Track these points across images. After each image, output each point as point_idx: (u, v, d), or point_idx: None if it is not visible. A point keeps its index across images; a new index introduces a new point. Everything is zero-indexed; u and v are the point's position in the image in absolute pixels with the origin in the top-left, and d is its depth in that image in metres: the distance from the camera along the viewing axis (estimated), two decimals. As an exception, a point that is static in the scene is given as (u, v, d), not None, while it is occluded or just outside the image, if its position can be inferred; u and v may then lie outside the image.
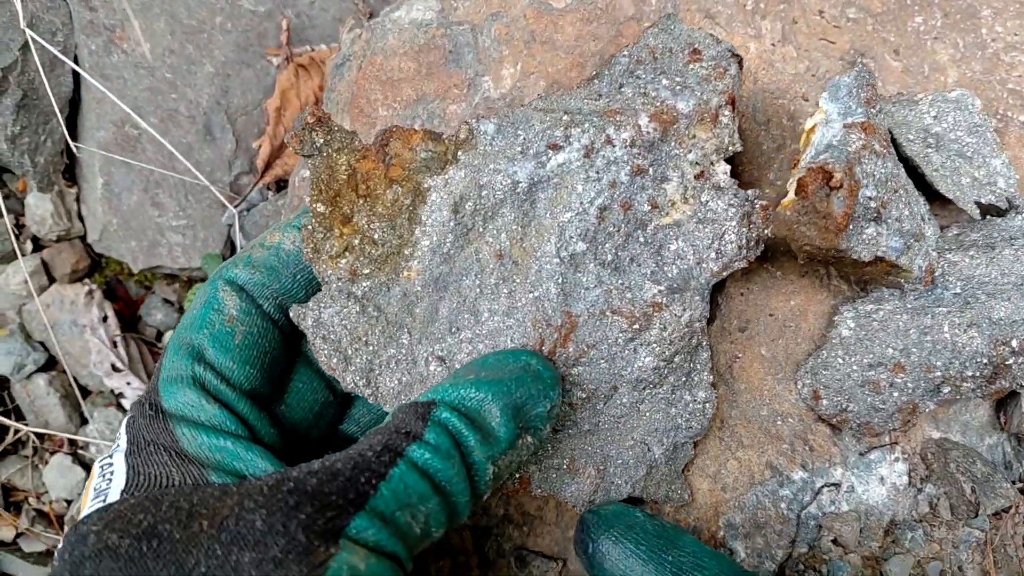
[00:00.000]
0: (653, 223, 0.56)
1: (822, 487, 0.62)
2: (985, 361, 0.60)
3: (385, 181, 0.54)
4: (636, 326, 0.55)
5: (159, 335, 0.93)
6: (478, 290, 0.55)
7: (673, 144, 0.55)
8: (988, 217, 0.65)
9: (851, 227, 0.54)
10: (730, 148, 0.56)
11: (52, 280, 0.91)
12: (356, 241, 0.55)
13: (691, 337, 0.57)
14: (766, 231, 0.56)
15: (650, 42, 0.59)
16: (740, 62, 0.57)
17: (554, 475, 0.57)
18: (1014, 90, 0.73)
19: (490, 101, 0.71)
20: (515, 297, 0.55)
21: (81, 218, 0.90)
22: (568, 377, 0.56)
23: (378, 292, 0.55)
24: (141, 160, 0.84)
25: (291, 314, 0.55)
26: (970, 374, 0.60)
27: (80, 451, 0.95)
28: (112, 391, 0.90)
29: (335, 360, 0.55)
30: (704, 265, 0.56)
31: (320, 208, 0.54)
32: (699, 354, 0.58)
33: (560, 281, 0.55)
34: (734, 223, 0.56)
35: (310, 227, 0.54)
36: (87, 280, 0.92)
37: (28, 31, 0.74)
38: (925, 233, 0.60)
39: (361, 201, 0.54)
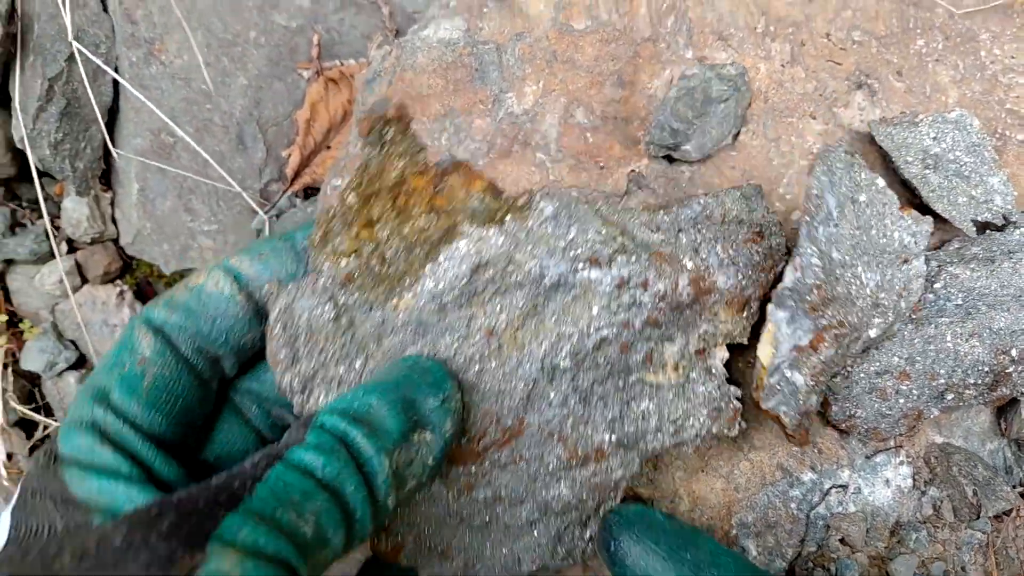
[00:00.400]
0: (636, 375, 0.55)
1: (830, 488, 0.65)
2: (986, 369, 0.63)
3: (426, 205, 0.53)
4: (573, 461, 0.55)
5: (186, 336, 0.97)
6: (452, 353, 0.53)
7: (695, 313, 0.55)
8: (988, 232, 0.68)
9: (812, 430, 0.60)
10: (737, 339, 0.57)
11: (85, 281, 0.95)
12: (368, 249, 0.53)
13: (610, 492, 0.57)
14: (727, 431, 0.56)
15: (727, 204, 0.58)
16: (787, 256, 0.57)
17: (426, 553, 0.57)
18: (1012, 110, 0.77)
19: (513, 116, 0.75)
20: (482, 377, 0.54)
21: (115, 221, 0.94)
22: (487, 476, 0.55)
23: (359, 307, 0.53)
24: (176, 167, 0.88)
25: (265, 288, 0.53)
26: (972, 382, 0.63)
27: (106, 448, 0.97)
28: (139, 390, 0.94)
29: (283, 354, 0.53)
30: (659, 435, 0.57)
31: (351, 199, 0.53)
32: (596, 516, 0.58)
33: (530, 386, 0.54)
34: (704, 412, 0.56)
35: (330, 214, 0.53)
36: (118, 281, 0.95)
37: (75, 43, 0.78)
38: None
39: (393, 213, 0.53)
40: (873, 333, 0.60)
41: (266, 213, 0.87)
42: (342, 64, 0.91)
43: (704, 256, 0.54)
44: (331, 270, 0.52)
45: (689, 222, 0.57)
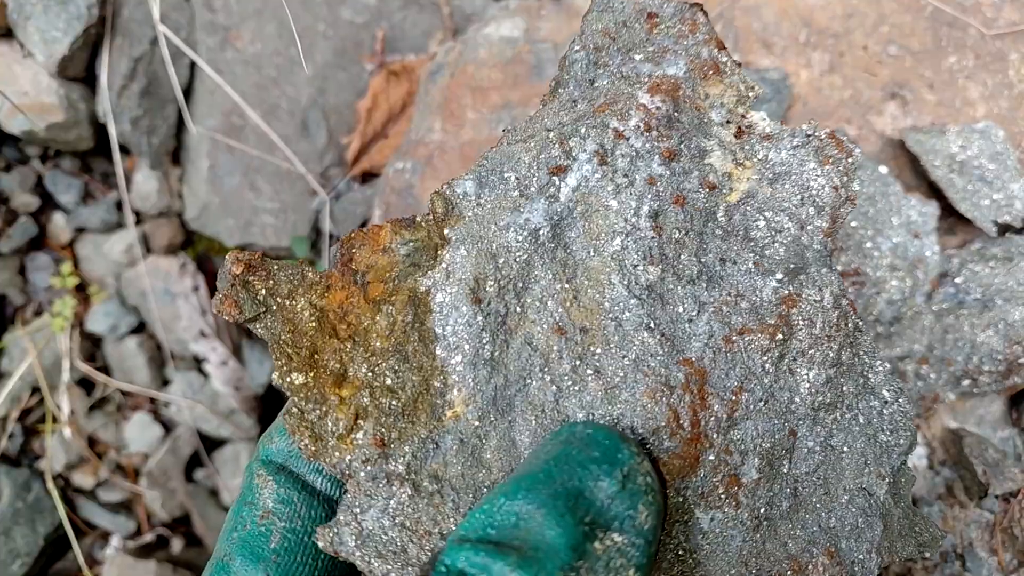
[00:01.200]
0: (722, 206, 0.44)
1: (851, 462, 0.70)
2: (1000, 358, 0.68)
3: (368, 306, 0.41)
4: (779, 336, 0.42)
5: (242, 307, 1.03)
6: (555, 388, 0.41)
7: (691, 113, 0.45)
8: (1007, 234, 0.74)
9: None
10: (751, 94, 0.46)
11: (149, 251, 1.01)
12: (366, 400, 0.41)
13: (845, 320, 0.43)
14: (851, 159, 0.44)
15: (596, 25, 0.49)
16: (702, 10, 0.48)
17: None
18: (1034, 128, 0.82)
19: (567, 110, 0.81)
20: (606, 374, 0.41)
21: (180, 196, 1.00)
22: (732, 446, 0.41)
23: (426, 456, 0.41)
24: (244, 146, 0.94)
25: (319, 542, 0.40)
26: (987, 369, 0.68)
27: (161, 409, 1.03)
28: (195, 356, 0.99)
29: (387, 569, 0.40)
30: (810, 227, 0.44)
31: (298, 380, 0.40)
32: (861, 339, 0.45)
33: (653, 325, 0.41)
34: (812, 164, 0.44)
35: (296, 411, 0.40)
36: (181, 253, 1.01)
37: (160, 26, 0.84)
38: None
39: (349, 345, 0.41)
40: (895, 295, 0.65)
41: (328, 194, 0.93)
42: (403, 58, 0.97)
43: (635, 73, 0.47)
44: (357, 457, 0.40)
45: (589, 68, 0.49)
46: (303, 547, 0.40)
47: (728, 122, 0.46)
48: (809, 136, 0.45)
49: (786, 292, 0.43)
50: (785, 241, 0.44)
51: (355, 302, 0.41)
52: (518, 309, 0.42)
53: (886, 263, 0.65)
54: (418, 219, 0.43)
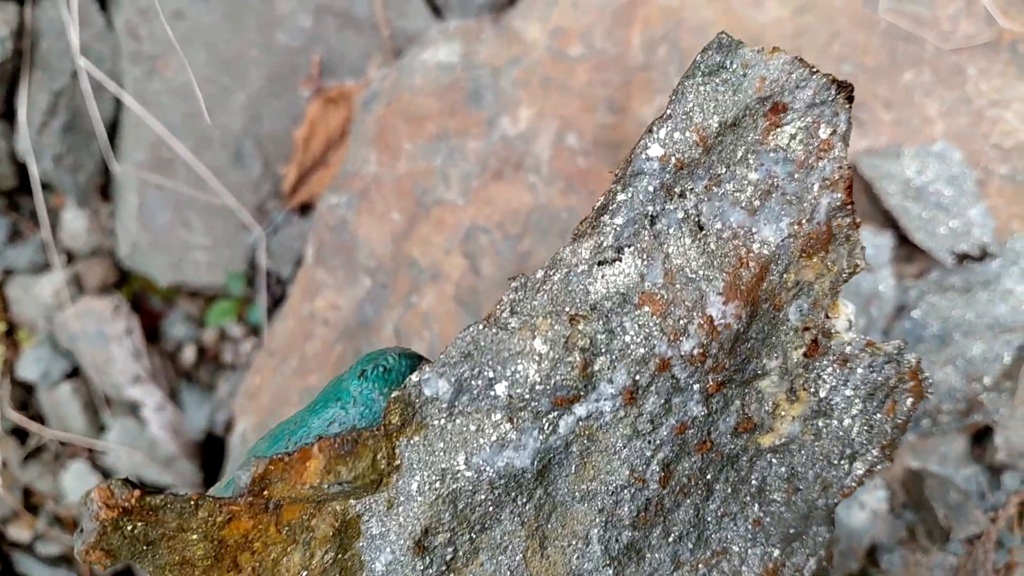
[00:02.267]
0: (750, 451, 0.36)
1: (808, 509, 0.66)
2: (959, 396, 0.65)
3: (281, 536, 0.34)
4: None
5: (178, 348, 0.98)
6: None
7: (765, 318, 0.34)
8: (965, 263, 0.70)
9: None
10: (856, 268, 0.35)
11: (82, 292, 0.96)
12: None
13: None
14: (919, 400, 0.36)
15: (695, 115, 0.34)
16: (850, 94, 0.37)
17: None
18: (996, 144, 0.79)
19: (507, 139, 0.77)
20: None
21: (113, 234, 0.95)
22: None
23: None
24: (174, 181, 0.89)
25: None
26: (946, 408, 0.65)
27: (100, 457, 0.98)
28: (132, 401, 0.95)
29: None
30: (834, 488, 0.37)
31: None
32: None
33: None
34: (873, 404, 0.36)
35: None
36: (115, 293, 0.96)
37: (81, 59, 0.80)
38: None
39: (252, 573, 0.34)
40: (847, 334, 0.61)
41: (264, 229, 0.89)
42: (342, 84, 0.92)
43: (722, 226, 0.34)
44: None
45: (658, 196, 0.35)
46: None
47: (806, 328, 0.35)
48: (890, 361, 0.36)
49: (771, 565, 0.37)
50: (799, 504, 0.37)
51: (264, 530, 0.34)
52: (469, 552, 0.35)
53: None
54: (364, 439, 0.33)
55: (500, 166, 0.76)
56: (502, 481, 0.33)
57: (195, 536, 0.33)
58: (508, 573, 0.35)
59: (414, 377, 0.33)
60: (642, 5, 0.79)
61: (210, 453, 0.97)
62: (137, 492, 0.32)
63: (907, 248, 0.71)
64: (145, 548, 0.33)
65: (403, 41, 0.95)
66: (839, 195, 0.34)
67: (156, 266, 0.92)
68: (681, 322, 0.33)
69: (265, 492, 0.33)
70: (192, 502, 0.33)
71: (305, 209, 0.91)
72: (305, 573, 0.34)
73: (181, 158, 0.89)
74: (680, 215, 0.34)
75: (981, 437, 0.71)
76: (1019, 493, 0.71)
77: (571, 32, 0.79)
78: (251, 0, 0.91)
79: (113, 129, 0.92)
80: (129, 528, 0.32)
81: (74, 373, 0.98)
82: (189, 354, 0.97)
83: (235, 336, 0.95)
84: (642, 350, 0.33)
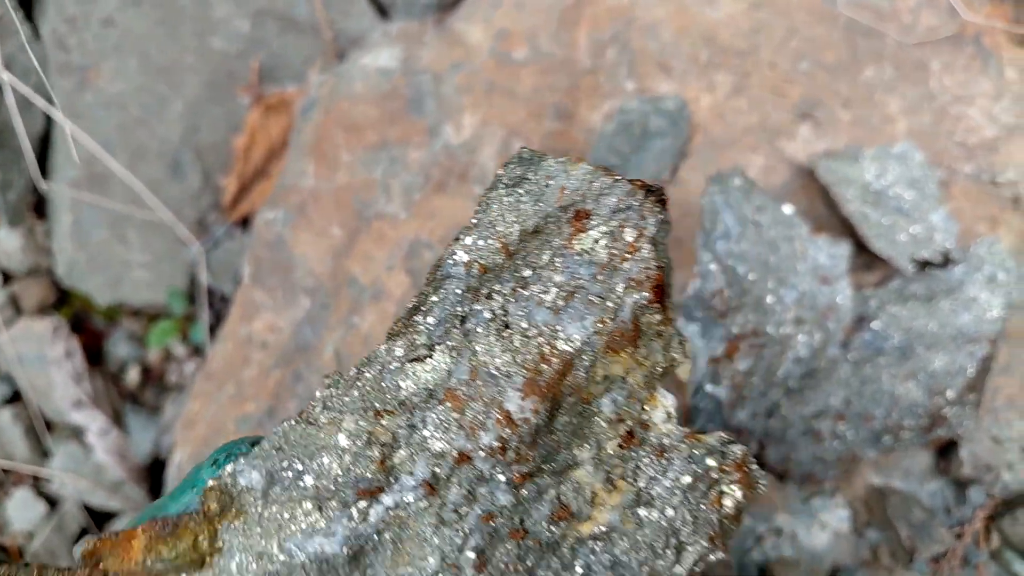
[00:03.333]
0: (570, 539, 0.36)
1: (764, 532, 0.63)
2: (921, 411, 0.62)
3: None
4: None
5: (122, 368, 0.94)
6: None
7: (573, 411, 0.36)
8: (928, 269, 0.67)
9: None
10: (672, 363, 0.38)
11: (20, 313, 0.92)
12: None
13: None
14: (748, 495, 0.36)
15: (497, 225, 0.38)
16: (660, 197, 0.38)
17: None
18: (960, 142, 0.76)
19: (450, 148, 0.73)
20: None
21: (50, 253, 0.91)
22: None
23: None
24: (109, 197, 0.85)
25: None
26: (908, 423, 0.62)
27: (44, 484, 0.95)
28: (75, 426, 0.91)
29: None
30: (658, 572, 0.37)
31: None
32: None
33: None
34: (693, 502, 0.36)
35: None
36: (54, 314, 0.92)
37: (5, 72, 0.75)
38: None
39: None
40: (803, 352, 0.59)
41: (202, 244, 0.85)
42: (282, 89, 0.88)
43: (522, 324, 0.36)
44: None
45: (465, 298, 0.37)
46: None
47: (620, 419, 0.37)
48: (714, 463, 0.36)
49: None
50: None
51: None
52: None
53: (791, 317, 0.59)
54: (188, 520, 0.35)
55: (443, 177, 0.73)
56: (314, 565, 0.34)
57: None
58: None
59: (229, 468, 0.35)
60: (589, 5, 0.75)
61: (157, 477, 0.93)
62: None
63: (867, 256, 0.68)
64: None
65: (347, 44, 0.91)
66: (645, 294, 0.36)
67: (94, 285, 0.88)
68: (479, 417, 0.35)
69: (100, 566, 0.35)
70: (36, 572, 0.34)
71: (247, 222, 0.87)
72: None
73: (117, 172, 0.85)
74: (488, 315, 0.36)
75: (946, 451, 0.68)
76: (985, 508, 0.68)
77: (516, 34, 0.76)
78: (185, 5, 0.86)
79: (44, 144, 0.87)
80: None
81: (15, 397, 0.94)
82: (133, 375, 0.93)
83: (180, 356, 0.91)
84: (440, 444, 0.35)
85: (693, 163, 0.71)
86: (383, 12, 0.94)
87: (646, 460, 0.37)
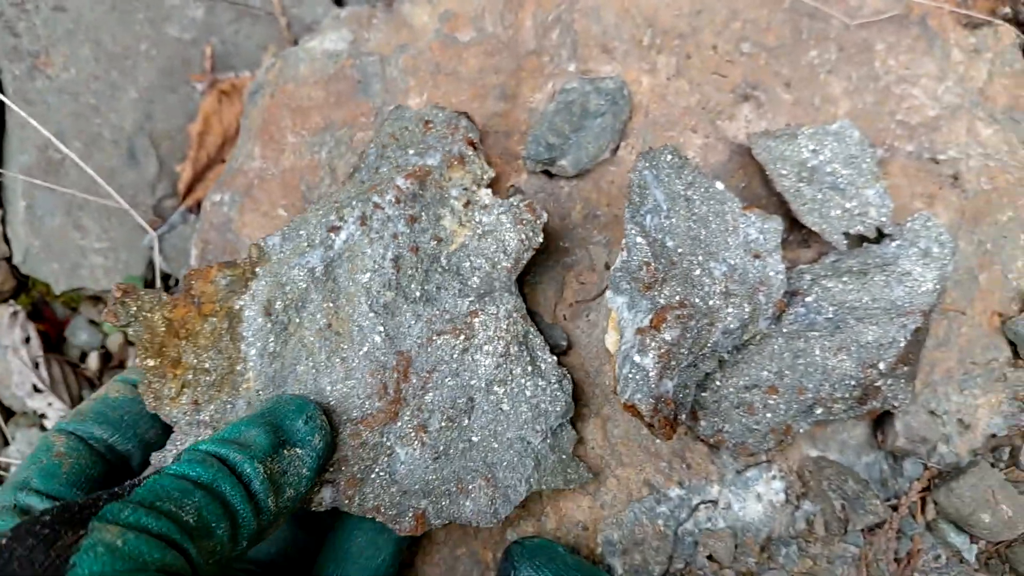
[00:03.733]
0: (444, 253, 0.63)
1: (699, 504, 0.64)
2: (854, 383, 0.63)
3: (200, 318, 0.59)
4: (463, 337, 0.61)
5: (84, 356, 0.94)
6: (314, 370, 0.60)
7: (434, 190, 0.64)
8: (865, 245, 0.68)
9: (680, 423, 0.58)
10: (484, 177, 0.67)
11: (-22, 300, 0.92)
12: (190, 376, 0.59)
13: (515, 325, 0.62)
14: (538, 221, 0.63)
15: (388, 130, 0.69)
16: (468, 116, 0.70)
17: (447, 502, 0.59)
18: (902, 121, 0.77)
19: (395, 130, 0.74)
20: (348, 361, 0.60)
21: (7, 240, 0.92)
22: (423, 406, 0.60)
23: (224, 411, 0.59)
24: (64, 184, 0.86)
25: (152, 461, 0.58)
26: (840, 395, 0.63)
27: (3, 472, 0.95)
28: (34, 412, 0.91)
29: None
30: (499, 266, 0.63)
31: (150, 363, 0.59)
32: (531, 339, 0.63)
33: (382, 330, 0.60)
34: (508, 225, 0.63)
35: (147, 380, 0.59)
36: (12, 301, 0.93)
37: (-52, 58, 0.76)
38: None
39: (184, 343, 0.59)
40: (732, 324, 0.59)
41: (157, 231, 0.86)
42: (237, 76, 0.89)
43: (404, 162, 0.66)
44: (179, 411, 0.59)
45: (378, 159, 0.68)
46: (85, 474, 0.54)
47: (462, 196, 0.65)
48: (513, 206, 0.64)
49: (474, 308, 0.62)
50: (480, 275, 0.63)
51: (191, 315, 0.60)
52: (297, 320, 0.61)
53: (719, 290, 0.59)
54: (239, 260, 0.62)
55: (388, 158, 0.73)
56: (307, 273, 0.61)
57: (156, 316, 0.59)
58: (319, 326, 0.60)
59: (264, 238, 0.63)
60: (533, -14, 0.76)
61: (117, 462, 0.93)
62: (132, 284, 0.59)
63: (804, 232, 0.69)
64: (133, 320, 0.59)
65: (301, 30, 0.92)
66: (464, 144, 0.68)
67: (51, 272, 0.89)
68: (383, 187, 0.63)
69: (191, 290, 0.60)
70: (159, 292, 0.60)
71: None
72: (212, 334, 0.60)
73: (71, 159, 0.86)
74: (389, 163, 0.68)
75: (882, 423, 0.69)
76: (921, 480, 0.69)
77: (461, 16, 0.76)
78: (137, -9, 0.87)
79: (-1, 130, 0.88)
80: (128, 304, 0.58)
81: (-26, 384, 0.94)
82: (94, 361, 0.93)
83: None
84: (366, 200, 0.62)
85: (633, 142, 0.72)
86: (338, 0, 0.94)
87: (478, 212, 0.65)
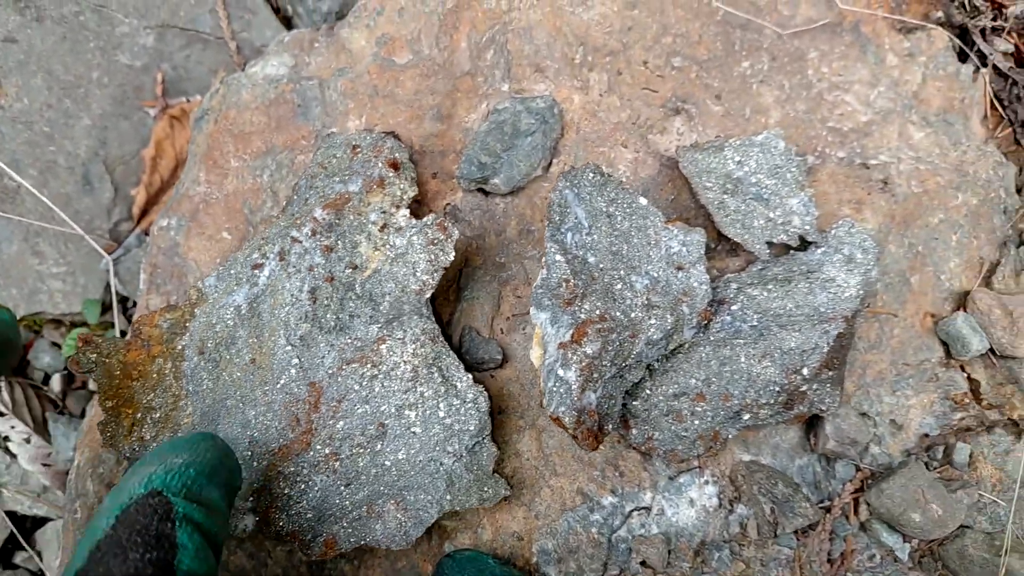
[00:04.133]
0: (358, 280, 0.65)
1: (632, 511, 0.66)
2: (778, 389, 0.65)
3: (149, 360, 0.65)
4: (369, 364, 0.63)
5: (47, 378, 0.96)
6: (241, 404, 0.64)
7: (352, 216, 0.66)
8: (791, 252, 0.70)
9: (606, 433, 0.60)
10: (404, 198, 0.67)
11: (-59, 327, 0.94)
12: (139, 415, 0.64)
13: (423, 348, 0.63)
14: (448, 240, 0.64)
15: (319, 159, 0.71)
16: (395, 135, 0.72)
17: (358, 525, 0.61)
18: (834, 128, 0.79)
19: (335, 152, 0.76)
20: (269, 394, 0.63)
21: (-33, 267, 0.93)
22: (334, 435, 0.62)
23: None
24: (20, 212, 0.87)
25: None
26: (765, 401, 0.65)
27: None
28: (-1, 434, 0.93)
29: None
30: (408, 290, 0.64)
31: (108, 404, 0.64)
32: (442, 360, 0.63)
33: (297, 362, 0.63)
34: (419, 247, 0.64)
35: (103, 421, 0.64)
36: (-25, 326, 0.94)
37: (-101, 93, 0.78)
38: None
39: (136, 384, 0.65)
40: (655, 335, 0.61)
41: (112, 255, 0.87)
42: (188, 100, 0.91)
43: (329, 191, 0.68)
44: (129, 446, 0.64)
45: (307, 190, 0.70)
46: None
47: (379, 221, 0.66)
48: (425, 225, 0.65)
49: (381, 335, 0.64)
50: (391, 299, 0.64)
51: (142, 358, 0.66)
52: (227, 356, 0.65)
53: (640, 302, 0.61)
54: (181, 304, 0.67)
55: (329, 180, 0.75)
56: (234, 311, 0.65)
57: (114, 361, 0.65)
58: (244, 361, 0.64)
59: (203, 278, 0.68)
60: (467, 8, 0.78)
61: (81, 483, 0.95)
62: (90, 333, 0.67)
63: (732, 242, 0.71)
64: (93, 366, 0.65)
65: (252, 54, 0.93)
66: (385, 166, 0.68)
67: (9, 297, 0.90)
68: (301, 221, 0.66)
69: (141, 334, 0.66)
70: (115, 340, 0.66)
71: (156, 231, 0.90)
72: (158, 375, 0.65)
73: (26, 187, 0.88)
74: (316, 192, 0.69)
75: (814, 425, 0.71)
76: (853, 481, 0.71)
77: (398, 39, 0.78)
78: (87, 20, 0.89)
79: (-46, 160, 0.90)
80: (88, 354, 0.65)
81: (-60, 411, 0.96)
82: (56, 383, 0.95)
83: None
84: (284, 236, 0.66)
85: (565, 159, 0.74)
86: (287, 23, 0.96)
87: (392, 235, 0.65)
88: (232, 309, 0.65)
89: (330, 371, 0.63)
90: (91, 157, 0.90)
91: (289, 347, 0.63)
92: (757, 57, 0.80)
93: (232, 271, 0.66)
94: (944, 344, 0.74)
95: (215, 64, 0.92)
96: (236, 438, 0.63)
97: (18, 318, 0.92)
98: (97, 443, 0.73)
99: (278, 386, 0.63)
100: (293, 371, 0.63)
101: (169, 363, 0.65)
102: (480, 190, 0.73)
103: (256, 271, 0.65)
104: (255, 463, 0.62)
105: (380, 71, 0.77)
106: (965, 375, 0.74)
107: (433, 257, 0.64)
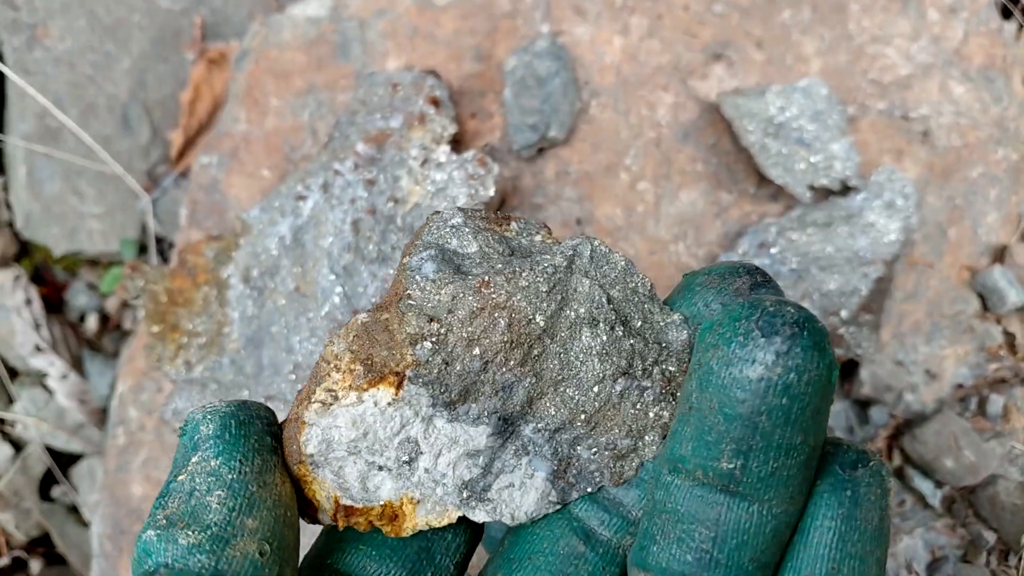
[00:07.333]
0: (400, 213, 0.67)
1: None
2: (815, 330, 0.65)
3: (195, 287, 0.69)
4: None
5: (82, 317, 0.98)
6: (286, 330, 0.67)
7: (393, 151, 0.68)
8: (831, 197, 0.70)
9: None
10: (445, 134, 0.68)
11: (-18, 265, 0.96)
12: (185, 340, 0.69)
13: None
14: (489, 175, 0.65)
15: (359, 95, 0.72)
16: (435, 74, 0.72)
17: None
18: (874, 80, 0.78)
19: (375, 92, 0.76)
20: (313, 321, 0.66)
21: (9, 205, 0.95)
22: None
23: (213, 369, 0.68)
24: (63, 150, 0.89)
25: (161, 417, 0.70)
26: (801, 342, 0.65)
27: (9, 428, 0.99)
28: (37, 371, 0.95)
29: None
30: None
31: (154, 328, 0.69)
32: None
33: (340, 291, 0.66)
34: (459, 182, 0.66)
35: (148, 344, 0.69)
36: (15, 265, 0.96)
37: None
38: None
39: (182, 310, 0.69)
40: None
41: (150, 195, 0.89)
42: (227, 44, 0.91)
43: (370, 127, 0.70)
44: (175, 370, 0.68)
45: (347, 126, 0.71)
46: None
47: (419, 156, 0.68)
48: (465, 161, 0.67)
49: None
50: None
51: (187, 285, 0.69)
52: (271, 285, 0.68)
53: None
54: (223, 235, 0.71)
55: (368, 119, 0.75)
56: (278, 241, 0.68)
57: (159, 288, 0.69)
58: (289, 290, 0.67)
59: (247, 211, 0.71)
60: (509, -50, 0.77)
61: (116, 421, 0.97)
62: (139, 260, 0.71)
63: (773, 187, 0.71)
64: (140, 292, 0.69)
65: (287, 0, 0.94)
66: (427, 103, 0.70)
67: (50, 236, 0.92)
68: (343, 155, 0.69)
69: (187, 262, 0.70)
70: (161, 267, 0.70)
71: (194, 173, 0.91)
72: (203, 302, 0.69)
73: (68, 127, 0.89)
74: (357, 128, 0.71)
75: (849, 372, 0.71)
76: (887, 427, 0.71)
77: (439, -20, 0.78)
78: (129, -37, 0.90)
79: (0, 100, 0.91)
80: (136, 281, 0.70)
81: (-22, 346, 0.98)
82: (92, 323, 0.97)
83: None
84: (327, 168, 0.69)
85: (605, 101, 0.74)
86: (325, -31, 0.96)
87: (433, 169, 0.67)
88: (276, 239, 0.68)
89: (372, 299, 0.65)
90: (130, 99, 0.91)
91: (333, 276, 0.66)
92: (798, 7, 0.80)
93: (276, 203, 0.69)
94: (980, 296, 0.74)
95: (253, 9, 0.93)
96: (280, 363, 0.64)
97: (57, 256, 0.93)
98: (139, 371, 0.75)
99: (322, 313, 0.66)
100: (337, 299, 0.66)
101: (214, 290, 0.69)
102: (540, 150, 0.73)
103: (300, 203, 0.68)
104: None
105: (419, 11, 0.78)
106: (1001, 328, 0.73)
107: (473, 192, 0.65)
